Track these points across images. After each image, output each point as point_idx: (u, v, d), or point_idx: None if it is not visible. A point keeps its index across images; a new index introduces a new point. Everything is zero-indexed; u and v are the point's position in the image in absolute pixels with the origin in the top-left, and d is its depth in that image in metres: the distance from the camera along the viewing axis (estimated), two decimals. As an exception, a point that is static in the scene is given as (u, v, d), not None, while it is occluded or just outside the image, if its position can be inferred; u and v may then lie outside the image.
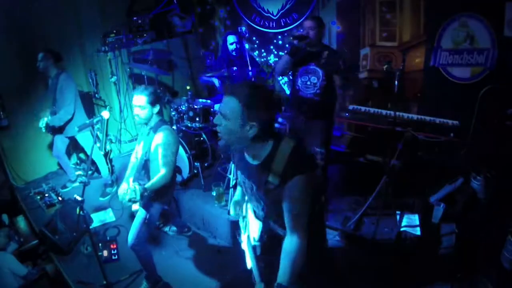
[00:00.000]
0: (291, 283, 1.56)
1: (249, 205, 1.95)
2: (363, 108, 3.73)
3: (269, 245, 1.81)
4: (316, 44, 3.18)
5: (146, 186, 2.42)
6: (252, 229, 1.90)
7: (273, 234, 1.79)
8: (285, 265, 1.60)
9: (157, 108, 2.58)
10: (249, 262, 1.88)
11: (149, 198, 2.61)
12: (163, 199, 2.70)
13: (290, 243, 1.62)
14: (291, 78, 4.74)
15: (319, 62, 3.20)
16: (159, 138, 2.53)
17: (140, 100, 2.52)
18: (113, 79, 4.31)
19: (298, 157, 1.60)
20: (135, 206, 2.73)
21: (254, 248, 1.84)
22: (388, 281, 2.86)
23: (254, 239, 1.85)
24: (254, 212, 1.89)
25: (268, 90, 1.67)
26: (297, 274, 1.59)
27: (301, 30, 3.35)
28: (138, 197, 2.27)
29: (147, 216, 2.62)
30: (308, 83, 3.28)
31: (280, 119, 3.61)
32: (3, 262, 2.97)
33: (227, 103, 1.57)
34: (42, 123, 3.72)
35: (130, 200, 2.28)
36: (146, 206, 2.64)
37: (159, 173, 2.51)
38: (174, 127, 3.88)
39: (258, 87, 1.60)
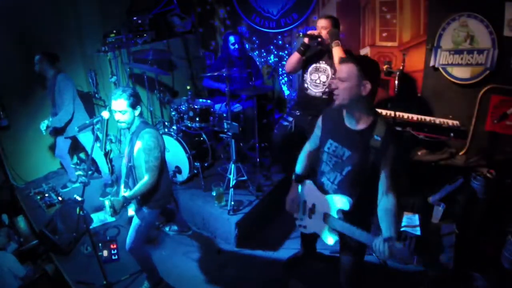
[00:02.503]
0: (396, 234, 1.83)
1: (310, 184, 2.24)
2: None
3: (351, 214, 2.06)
4: (329, 44, 3.12)
5: (127, 195, 2.40)
6: (323, 205, 2.14)
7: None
8: (389, 220, 1.86)
9: (138, 110, 2.46)
10: (331, 240, 2.12)
11: (140, 205, 2.59)
12: (155, 204, 2.63)
13: (388, 201, 1.90)
14: (291, 78, 4.77)
15: (330, 60, 3.17)
16: (141, 143, 2.43)
17: (120, 104, 2.39)
18: (113, 79, 4.30)
19: (396, 131, 2.16)
20: (131, 212, 2.72)
21: (338, 220, 2.05)
22: (388, 281, 2.86)
23: (334, 213, 2.08)
24: (322, 186, 2.16)
25: (376, 62, 2.03)
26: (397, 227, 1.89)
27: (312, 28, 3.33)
28: (110, 212, 2.31)
29: (142, 223, 2.60)
30: (318, 81, 3.27)
31: (287, 117, 3.60)
32: (3, 261, 2.96)
33: (344, 68, 1.89)
34: (43, 125, 3.72)
35: (111, 215, 2.33)
36: (138, 213, 2.62)
37: (142, 180, 2.45)
38: (174, 127, 3.88)
39: (369, 58, 2.08)
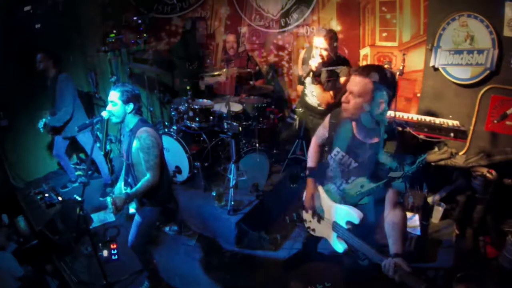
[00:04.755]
0: (403, 251, 1.72)
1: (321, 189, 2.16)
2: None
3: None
4: (329, 60, 3.09)
5: (129, 192, 2.39)
6: (332, 214, 2.07)
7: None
8: (396, 236, 1.75)
9: (130, 107, 2.43)
10: (341, 247, 2.04)
11: (140, 202, 2.59)
12: (157, 202, 2.62)
13: (396, 215, 1.80)
14: (291, 78, 4.77)
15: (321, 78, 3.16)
16: (139, 142, 2.42)
17: (113, 95, 2.41)
18: (113, 79, 4.31)
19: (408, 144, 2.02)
20: (132, 210, 2.71)
21: (348, 232, 1.97)
22: (389, 280, 2.86)
23: (343, 223, 2.00)
24: (328, 190, 2.09)
25: (394, 75, 1.86)
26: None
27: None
28: (112, 209, 2.28)
29: (143, 220, 2.60)
30: (314, 93, 3.28)
31: (292, 115, 3.66)
32: (3, 261, 2.96)
33: (359, 82, 1.71)
34: (41, 123, 3.72)
35: (114, 213, 2.31)
36: (140, 211, 2.61)
37: (144, 178, 2.45)
38: (174, 127, 3.88)
39: (387, 71, 1.78)
